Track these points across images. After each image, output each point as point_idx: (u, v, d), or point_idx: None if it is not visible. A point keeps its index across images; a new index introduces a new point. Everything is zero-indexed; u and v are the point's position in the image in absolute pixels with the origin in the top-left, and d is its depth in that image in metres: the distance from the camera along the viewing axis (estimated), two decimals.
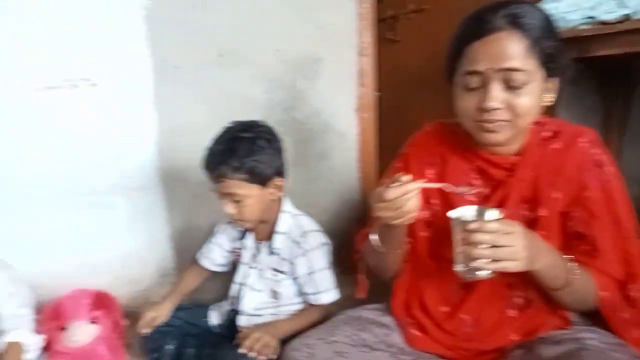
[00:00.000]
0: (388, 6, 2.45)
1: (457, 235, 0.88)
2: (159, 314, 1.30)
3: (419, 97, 2.53)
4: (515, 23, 0.90)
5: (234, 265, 1.51)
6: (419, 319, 1.08)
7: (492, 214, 0.88)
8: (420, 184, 0.88)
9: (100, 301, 1.34)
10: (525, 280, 0.99)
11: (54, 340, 1.28)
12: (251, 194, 1.22)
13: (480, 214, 0.89)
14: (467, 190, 0.94)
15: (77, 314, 1.29)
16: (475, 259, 0.83)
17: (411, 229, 1.08)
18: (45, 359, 1.25)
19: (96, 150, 1.50)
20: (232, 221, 1.30)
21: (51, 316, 1.30)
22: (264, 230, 1.37)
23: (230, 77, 1.61)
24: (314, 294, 1.33)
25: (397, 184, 0.87)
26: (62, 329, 1.29)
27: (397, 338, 1.09)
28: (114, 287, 1.53)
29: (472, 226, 0.83)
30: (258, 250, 1.39)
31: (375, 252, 1.06)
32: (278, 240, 1.33)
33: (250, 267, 1.39)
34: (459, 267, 0.89)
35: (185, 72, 1.55)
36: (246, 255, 1.40)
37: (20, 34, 1.36)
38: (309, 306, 1.36)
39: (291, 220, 1.35)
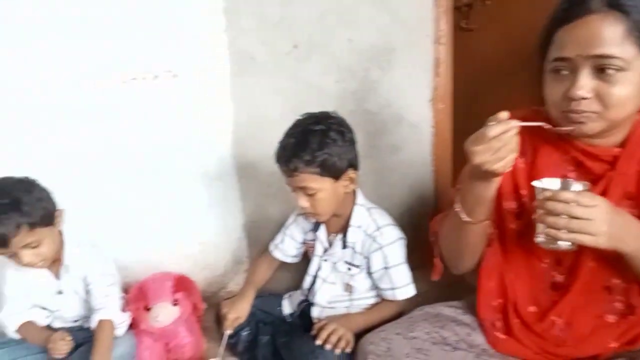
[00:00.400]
0: None
1: (537, 205, 0.85)
2: (241, 314, 1.34)
3: (494, 88, 2.40)
4: (613, 3, 0.82)
5: (304, 256, 1.52)
6: (505, 319, 1.02)
7: (576, 186, 0.85)
8: (520, 122, 0.82)
9: (181, 284, 1.40)
10: (626, 285, 0.91)
11: (139, 320, 1.35)
12: (324, 187, 1.20)
13: (565, 186, 0.87)
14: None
15: (160, 295, 1.35)
16: (551, 228, 0.81)
17: (499, 217, 1.02)
18: (131, 336, 1.32)
19: (177, 140, 1.55)
20: (306, 214, 1.30)
21: (136, 296, 1.37)
22: (338, 223, 1.35)
23: (304, 67, 1.61)
24: (390, 289, 1.30)
25: (494, 123, 0.82)
26: (147, 309, 1.35)
27: (479, 338, 1.04)
28: (191, 272, 1.59)
29: (546, 194, 0.82)
30: (331, 243, 1.38)
31: (456, 228, 0.99)
32: (352, 234, 1.32)
33: (324, 260, 1.38)
34: (538, 238, 0.86)
35: (260, 63, 1.57)
36: (319, 248, 1.40)
37: (106, 29, 1.43)
38: (384, 301, 1.34)
39: (365, 214, 1.33)
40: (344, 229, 1.33)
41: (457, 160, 1.86)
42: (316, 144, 1.17)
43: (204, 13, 1.49)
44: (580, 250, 0.92)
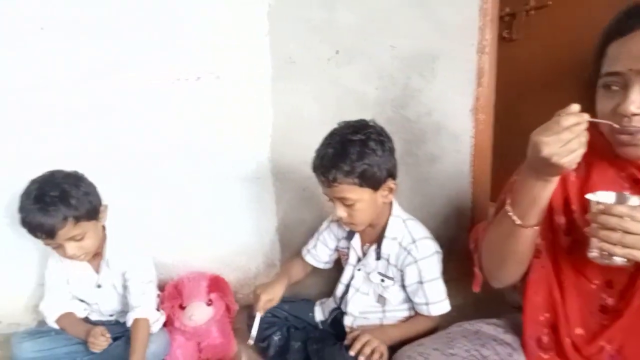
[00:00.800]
0: (506, 3, 2.30)
1: (591, 218, 0.82)
2: (274, 297, 1.29)
3: (536, 100, 2.34)
4: None
5: (337, 263, 1.50)
6: (552, 334, 0.98)
7: (634, 200, 0.82)
8: (590, 118, 0.79)
9: (215, 284, 1.41)
10: None
11: (173, 318, 1.36)
12: (363, 198, 1.18)
13: (620, 200, 0.84)
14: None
15: (195, 294, 1.36)
16: (604, 242, 0.78)
17: (549, 230, 0.98)
18: (165, 333, 1.33)
19: (215, 141, 1.57)
20: (343, 224, 1.28)
21: (172, 295, 1.38)
22: (372, 234, 1.33)
23: (344, 73, 1.60)
24: (425, 304, 1.27)
25: (566, 114, 0.78)
26: (181, 307, 1.36)
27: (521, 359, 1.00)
28: (223, 273, 1.60)
29: (600, 207, 0.80)
30: (365, 253, 1.35)
31: (503, 233, 0.94)
32: (387, 246, 1.29)
33: (357, 269, 1.36)
34: (591, 253, 0.83)
35: (301, 68, 1.57)
36: (353, 257, 1.38)
37: (152, 31, 1.46)
38: (418, 315, 1.31)
39: (401, 225, 1.30)
40: (378, 240, 1.31)
41: (496, 172, 1.81)
42: (355, 154, 1.14)
43: (248, 17, 1.51)
44: (635, 272, 0.88)
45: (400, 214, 1.33)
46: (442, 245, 1.35)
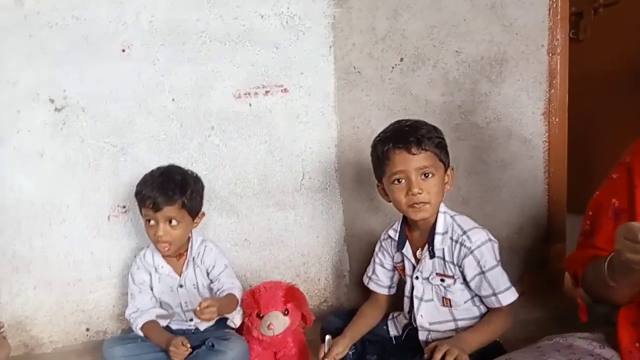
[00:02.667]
0: (571, 2, 2.22)
1: None
2: (342, 351, 1.29)
3: (606, 102, 2.23)
4: None
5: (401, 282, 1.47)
6: None
7: None
8: None
9: (291, 294, 1.41)
10: None
11: (250, 326, 1.38)
12: (439, 173, 1.21)
13: None
14: None
15: (272, 304, 1.37)
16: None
17: None
18: (244, 342, 1.36)
19: (284, 152, 1.61)
20: (414, 204, 1.22)
21: (249, 304, 1.40)
22: (422, 237, 1.30)
23: (410, 81, 1.60)
24: (492, 295, 1.21)
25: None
26: (258, 316, 1.38)
27: None
28: (294, 283, 1.61)
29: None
30: (419, 258, 1.32)
31: (603, 283, 0.92)
32: (439, 242, 1.26)
33: (415, 278, 1.33)
34: None
35: (366, 77, 1.59)
36: (408, 266, 1.34)
37: (224, 50, 1.53)
38: (491, 314, 1.25)
39: (449, 220, 1.27)
40: (429, 239, 1.28)
41: (570, 178, 1.73)
42: (429, 129, 1.22)
43: (313, 28, 1.54)
44: None
45: (447, 210, 1.30)
46: (515, 256, 1.30)
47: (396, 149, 1.20)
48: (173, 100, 1.53)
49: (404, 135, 1.19)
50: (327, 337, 1.29)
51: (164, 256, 1.43)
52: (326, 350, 1.26)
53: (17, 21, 1.40)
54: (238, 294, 1.41)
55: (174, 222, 1.34)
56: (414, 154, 1.18)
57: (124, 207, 1.53)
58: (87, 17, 1.43)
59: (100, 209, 1.51)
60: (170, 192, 1.32)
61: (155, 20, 1.48)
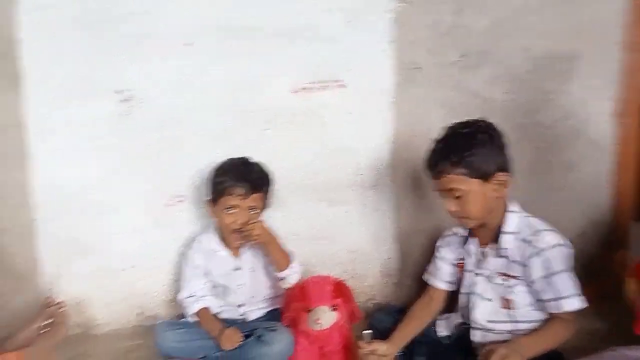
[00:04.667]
0: None
1: None
2: (385, 350, 1.27)
3: None
4: None
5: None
6: None
7: None
8: None
9: (339, 290, 1.40)
10: None
11: (298, 320, 1.38)
12: (472, 189, 1.18)
13: None
14: None
15: (320, 298, 1.37)
16: None
17: None
18: (290, 334, 1.36)
19: (338, 148, 1.59)
20: (455, 218, 1.25)
21: (297, 297, 1.40)
22: (488, 235, 1.27)
23: (471, 77, 1.55)
24: (554, 299, 1.16)
25: None
26: (306, 310, 1.38)
27: None
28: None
29: None
30: (483, 255, 1.29)
31: None
32: (506, 241, 1.23)
33: (476, 274, 1.29)
34: None
35: (426, 73, 1.55)
36: (470, 262, 1.32)
37: (283, 44, 1.52)
38: (552, 320, 1.19)
39: (519, 220, 1.24)
40: (495, 238, 1.25)
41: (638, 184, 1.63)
42: (463, 145, 1.18)
43: (374, 23, 1.51)
44: None
45: (519, 210, 1.26)
46: (577, 262, 1.23)
47: (429, 170, 1.26)
48: (230, 94, 1.53)
49: (431, 160, 1.25)
50: (367, 331, 1.29)
51: (222, 241, 1.46)
52: (366, 346, 1.26)
53: (85, 16, 1.43)
54: (292, 256, 1.44)
55: (255, 211, 1.38)
56: (438, 179, 1.23)
57: (181, 197, 1.55)
58: (152, 12, 1.46)
59: (157, 198, 1.54)
60: (258, 180, 1.38)
61: (218, 16, 1.49)
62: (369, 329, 1.32)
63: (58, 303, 1.42)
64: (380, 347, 1.27)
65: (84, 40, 1.43)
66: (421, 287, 1.49)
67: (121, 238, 1.55)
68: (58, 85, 1.43)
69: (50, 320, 1.33)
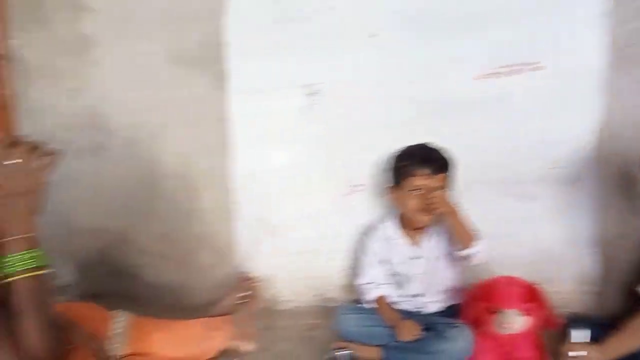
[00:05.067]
0: None
1: None
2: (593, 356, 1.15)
3: None
4: None
5: None
6: None
7: None
8: None
9: (531, 294, 1.29)
10: None
11: (481, 320, 1.30)
12: None
13: None
14: None
15: (509, 301, 1.28)
16: None
17: None
18: (471, 333, 1.30)
19: (530, 138, 1.45)
20: None
21: (482, 296, 1.33)
22: None
23: None
24: None
25: None
26: (492, 312, 1.30)
27: None
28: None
29: None
30: None
31: None
32: None
33: None
34: None
35: None
36: None
37: (470, 25, 1.43)
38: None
39: None
40: None
41: None
42: None
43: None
44: None
45: None
46: None
47: None
48: (410, 83, 1.50)
49: None
50: (575, 331, 1.18)
51: (402, 229, 1.47)
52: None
53: (282, 17, 1.52)
54: (478, 235, 1.38)
55: (440, 191, 1.36)
56: None
57: (361, 185, 1.58)
58: (337, 8, 1.49)
59: (339, 186, 1.59)
60: (441, 160, 1.38)
61: (401, 7, 1.46)
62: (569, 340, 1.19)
63: (253, 278, 1.58)
64: (592, 352, 1.14)
65: (278, 40, 1.52)
66: (628, 299, 1.28)
67: (304, 223, 1.64)
68: (255, 82, 1.55)
69: (247, 292, 1.49)
